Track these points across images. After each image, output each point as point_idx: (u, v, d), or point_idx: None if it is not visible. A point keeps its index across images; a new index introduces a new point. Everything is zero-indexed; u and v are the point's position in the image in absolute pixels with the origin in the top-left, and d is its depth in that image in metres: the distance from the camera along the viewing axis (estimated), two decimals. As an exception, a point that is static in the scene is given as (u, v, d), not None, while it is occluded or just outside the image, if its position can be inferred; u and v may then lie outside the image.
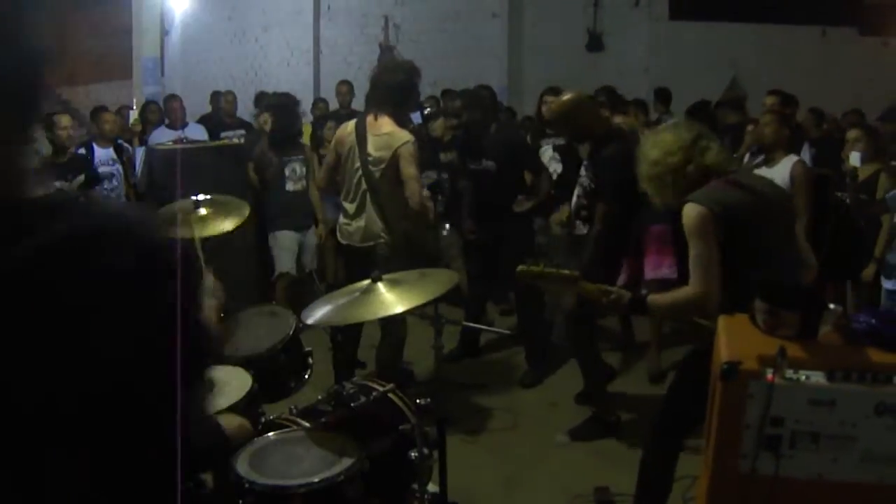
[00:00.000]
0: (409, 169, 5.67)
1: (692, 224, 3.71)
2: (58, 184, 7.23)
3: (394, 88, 5.80)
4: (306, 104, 9.79)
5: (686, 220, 3.73)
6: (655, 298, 3.92)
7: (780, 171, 5.94)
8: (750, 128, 7.94)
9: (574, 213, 5.98)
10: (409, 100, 5.97)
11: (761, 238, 3.79)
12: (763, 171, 5.98)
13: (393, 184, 5.70)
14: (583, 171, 5.94)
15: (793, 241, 4.08)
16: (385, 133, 5.72)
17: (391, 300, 3.64)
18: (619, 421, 5.92)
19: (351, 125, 5.91)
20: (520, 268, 3.95)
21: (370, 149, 5.72)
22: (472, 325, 6.14)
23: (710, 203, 3.71)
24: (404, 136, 5.75)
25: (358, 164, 5.76)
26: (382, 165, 5.67)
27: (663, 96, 10.75)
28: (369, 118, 5.81)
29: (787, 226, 4.07)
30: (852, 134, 6.47)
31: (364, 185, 5.77)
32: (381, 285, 3.71)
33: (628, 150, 5.10)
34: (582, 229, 5.99)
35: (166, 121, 10.01)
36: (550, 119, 6.03)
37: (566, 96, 5.82)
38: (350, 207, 5.90)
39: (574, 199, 5.97)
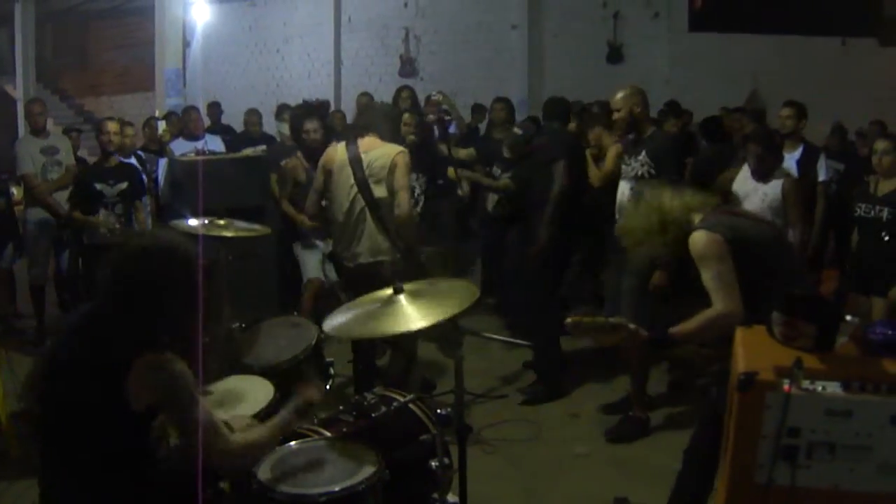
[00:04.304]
0: (403, 179, 5.73)
1: (704, 249, 3.74)
2: (98, 186, 7.36)
3: (381, 114, 6.07)
4: (326, 116, 9.87)
5: (696, 247, 3.77)
6: (679, 328, 3.89)
7: (773, 187, 6.20)
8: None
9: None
10: (395, 128, 6.10)
11: (770, 261, 3.83)
12: (754, 184, 6.31)
13: (391, 194, 5.76)
14: (626, 167, 6.00)
15: (795, 262, 4.11)
16: (379, 146, 5.81)
17: (414, 313, 3.57)
18: (649, 421, 6.02)
19: (341, 146, 5.93)
20: (569, 320, 3.90)
21: (368, 161, 5.75)
22: (489, 335, 6.15)
23: (720, 229, 3.75)
24: (398, 147, 5.87)
25: (352, 181, 5.76)
26: (383, 174, 5.71)
27: (675, 109, 10.67)
28: (359, 140, 5.87)
29: (786, 248, 4.11)
30: (880, 145, 6.36)
31: (361, 203, 5.76)
32: (403, 297, 3.67)
33: (678, 140, 5.85)
34: None
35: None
36: (613, 102, 6.02)
37: (628, 86, 5.98)
38: (345, 231, 5.90)
39: (627, 192, 5.94)
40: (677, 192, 4.08)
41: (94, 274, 3.24)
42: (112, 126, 7.65)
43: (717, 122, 9.32)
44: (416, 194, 7.87)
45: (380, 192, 5.74)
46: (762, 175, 6.30)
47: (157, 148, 9.19)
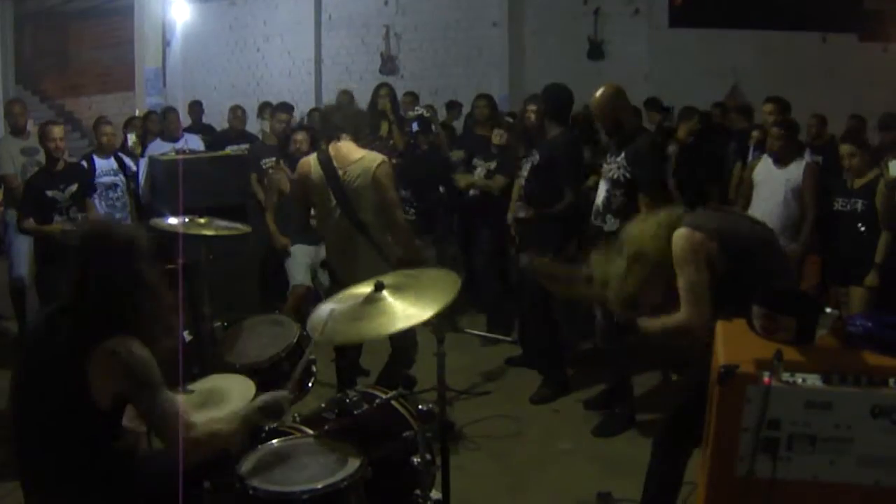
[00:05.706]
0: (390, 194, 5.45)
1: (682, 250, 3.72)
2: (49, 193, 7.24)
3: (349, 115, 5.75)
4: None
5: (675, 247, 3.74)
6: (646, 322, 3.93)
7: (794, 170, 6.63)
8: (755, 133, 8.12)
9: (604, 208, 5.89)
10: (363, 126, 5.86)
11: (758, 258, 3.82)
12: (775, 171, 6.72)
13: (378, 213, 5.45)
14: (606, 166, 5.98)
15: (786, 261, 4.11)
16: (356, 159, 5.44)
17: (403, 310, 3.53)
18: (635, 417, 6.04)
19: (312, 161, 5.59)
20: (535, 261, 3.93)
21: (347, 181, 5.40)
22: (472, 331, 6.13)
23: (703, 226, 3.73)
24: (377, 156, 5.52)
25: (334, 202, 5.45)
26: (366, 193, 5.39)
27: (656, 106, 10.74)
28: (331, 149, 5.52)
29: (777, 248, 4.11)
30: (845, 149, 6.44)
31: (346, 225, 5.46)
32: (386, 294, 3.61)
33: (658, 143, 5.93)
34: (613, 224, 5.74)
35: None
36: (592, 108, 5.97)
37: (605, 87, 5.91)
38: (336, 249, 5.70)
39: (603, 194, 5.93)
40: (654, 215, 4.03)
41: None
42: (57, 131, 7.47)
43: (708, 117, 9.37)
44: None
45: (365, 212, 5.44)
46: (783, 159, 6.68)
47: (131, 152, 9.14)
